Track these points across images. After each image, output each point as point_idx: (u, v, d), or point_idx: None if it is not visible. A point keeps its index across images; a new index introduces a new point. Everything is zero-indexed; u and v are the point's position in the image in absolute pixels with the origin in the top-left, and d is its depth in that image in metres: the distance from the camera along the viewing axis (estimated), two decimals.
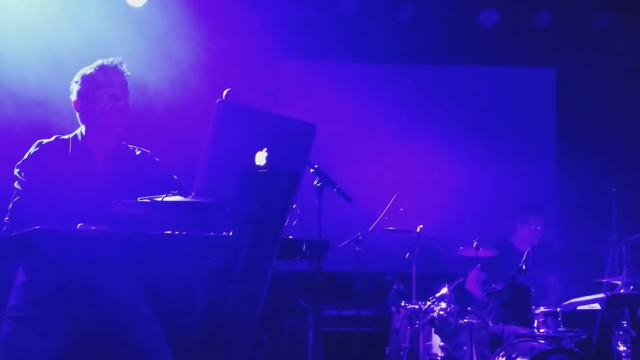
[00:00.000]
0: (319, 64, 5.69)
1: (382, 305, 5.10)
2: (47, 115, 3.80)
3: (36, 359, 2.24)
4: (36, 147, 2.39)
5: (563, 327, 4.18)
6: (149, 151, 2.59)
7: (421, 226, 4.57)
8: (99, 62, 2.46)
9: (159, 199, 1.96)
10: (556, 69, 5.92)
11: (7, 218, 2.34)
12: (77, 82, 2.46)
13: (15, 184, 2.37)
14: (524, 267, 4.19)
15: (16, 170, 2.37)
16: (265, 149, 1.97)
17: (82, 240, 1.77)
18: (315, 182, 2.88)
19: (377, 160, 5.55)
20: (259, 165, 1.95)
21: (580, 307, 4.30)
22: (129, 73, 2.50)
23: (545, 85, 5.94)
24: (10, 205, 2.35)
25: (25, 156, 2.39)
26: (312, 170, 2.82)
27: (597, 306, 4.19)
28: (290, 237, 2.16)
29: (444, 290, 4.45)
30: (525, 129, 5.82)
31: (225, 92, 2.32)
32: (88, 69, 2.45)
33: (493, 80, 5.88)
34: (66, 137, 2.48)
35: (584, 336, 4.29)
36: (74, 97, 2.46)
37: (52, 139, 2.44)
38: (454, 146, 5.61)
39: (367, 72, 5.70)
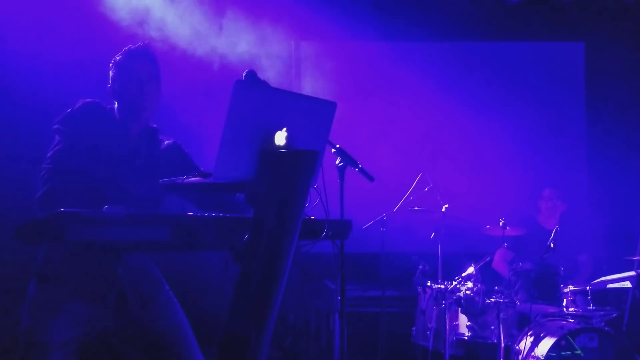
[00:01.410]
0: (341, 43, 5.64)
1: (408, 285, 5.08)
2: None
3: (60, 349, 2.27)
4: (79, 104, 2.44)
5: (593, 306, 4.12)
6: (177, 142, 2.63)
7: (446, 205, 4.52)
8: (127, 47, 2.52)
9: (180, 181, 1.96)
10: (584, 43, 5.77)
11: (48, 165, 2.34)
12: (110, 68, 2.52)
13: (55, 135, 2.39)
14: (551, 245, 4.13)
15: (56, 124, 2.39)
16: (285, 129, 1.95)
17: (106, 223, 1.77)
18: (337, 162, 2.86)
19: (402, 140, 5.50)
20: (279, 145, 1.94)
21: (610, 286, 4.23)
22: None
23: (574, 60, 5.80)
24: (50, 153, 2.36)
25: (68, 110, 2.43)
26: (333, 150, 2.80)
27: (628, 284, 4.12)
28: (312, 217, 2.15)
29: (471, 269, 4.41)
30: (553, 105, 5.70)
31: (244, 73, 2.31)
32: (118, 55, 2.51)
33: (520, 56, 5.77)
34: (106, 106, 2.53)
35: (614, 315, 4.22)
36: (109, 82, 2.53)
37: (93, 101, 2.48)
38: (481, 124, 5.53)
39: (389, 50, 5.63)
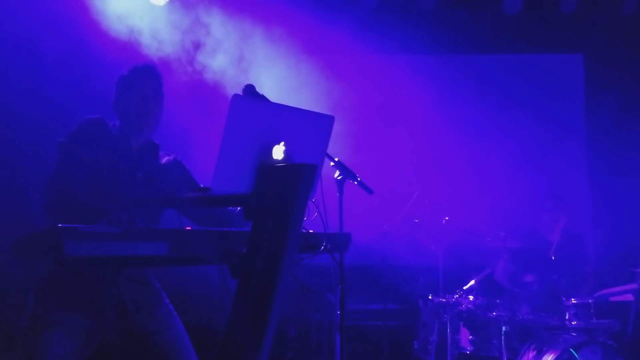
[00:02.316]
0: (340, 57, 5.66)
1: (409, 298, 5.06)
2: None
3: None
4: (83, 120, 2.48)
5: (596, 319, 4.09)
6: (178, 158, 2.66)
7: (447, 218, 4.51)
8: (134, 65, 2.58)
9: (177, 194, 1.96)
10: (583, 55, 5.79)
11: (53, 178, 2.36)
12: (116, 84, 2.58)
13: (60, 150, 2.42)
14: (553, 257, 4.11)
15: (61, 139, 2.43)
16: (282, 143, 1.95)
17: (104, 238, 1.77)
18: (335, 175, 2.85)
19: (401, 152, 5.50)
20: (276, 159, 1.94)
21: (613, 298, 4.21)
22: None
23: (573, 72, 5.81)
24: (55, 167, 2.40)
25: (73, 127, 2.46)
26: (332, 163, 2.79)
27: (630, 297, 4.09)
28: (311, 231, 2.15)
29: (472, 282, 4.39)
30: (553, 117, 5.70)
31: (243, 87, 2.32)
32: (124, 72, 2.57)
33: (519, 69, 5.77)
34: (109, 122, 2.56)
35: (617, 328, 4.19)
36: (114, 98, 2.58)
37: (97, 117, 2.52)
38: (480, 136, 5.53)
39: (388, 63, 5.65)
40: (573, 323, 4.12)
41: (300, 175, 1.93)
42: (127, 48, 3.95)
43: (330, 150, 2.25)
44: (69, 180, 2.31)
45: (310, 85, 5.04)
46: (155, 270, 2.53)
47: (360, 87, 5.53)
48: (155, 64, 2.64)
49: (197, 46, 4.44)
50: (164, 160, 2.60)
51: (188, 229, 1.96)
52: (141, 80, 2.52)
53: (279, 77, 5.10)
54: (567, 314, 4.14)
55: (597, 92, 5.71)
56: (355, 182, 2.87)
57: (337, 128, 2.14)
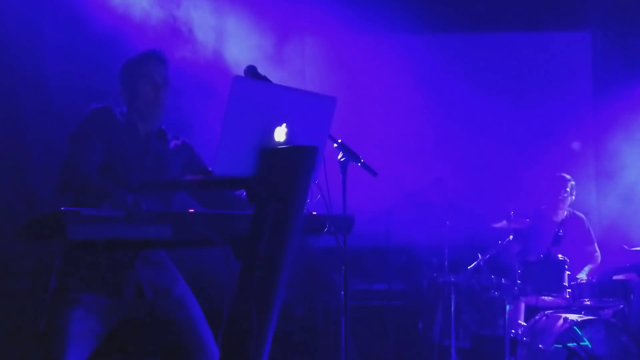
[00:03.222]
0: (345, 37, 5.62)
1: (414, 278, 5.08)
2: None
3: (78, 340, 2.32)
4: (91, 109, 2.48)
5: (599, 298, 4.10)
6: (187, 142, 2.66)
7: (452, 198, 4.51)
8: (142, 51, 2.55)
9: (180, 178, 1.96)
10: (590, 33, 5.72)
11: (64, 165, 2.38)
12: (122, 70, 2.54)
13: (70, 139, 2.43)
14: (557, 237, 4.11)
15: (70, 134, 2.44)
16: (284, 125, 1.95)
17: (107, 221, 1.78)
18: (339, 157, 2.85)
19: (407, 132, 5.48)
20: (278, 141, 1.93)
21: (616, 277, 4.22)
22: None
23: (581, 51, 5.75)
24: (66, 155, 2.41)
25: (82, 117, 2.47)
26: (335, 145, 2.79)
27: (633, 276, 4.10)
28: (315, 213, 2.15)
29: (477, 262, 4.40)
30: (561, 97, 5.65)
31: (244, 68, 2.31)
32: (132, 58, 2.54)
33: (526, 47, 5.70)
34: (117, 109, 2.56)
35: (621, 306, 4.21)
36: (120, 84, 2.55)
37: (104, 106, 2.51)
38: (486, 117, 5.50)
39: (394, 43, 5.60)
40: (577, 302, 4.13)
41: (302, 157, 1.92)
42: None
43: (334, 130, 2.24)
44: (80, 165, 2.32)
45: (290, 65, 5.01)
46: (171, 252, 2.57)
47: (364, 68, 5.50)
48: (163, 50, 2.59)
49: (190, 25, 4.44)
50: (172, 144, 2.60)
51: (191, 212, 1.96)
52: (151, 67, 2.49)
53: (286, 59, 5.08)
54: (571, 292, 4.15)
55: (605, 70, 5.63)
56: (359, 164, 2.86)
57: (341, 107, 2.13)
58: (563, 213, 4.70)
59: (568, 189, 4.64)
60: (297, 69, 5.47)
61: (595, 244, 4.73)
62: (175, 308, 2.49)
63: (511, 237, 4.39)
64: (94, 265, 2.37)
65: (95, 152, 2.39)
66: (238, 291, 2.00)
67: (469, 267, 4.43)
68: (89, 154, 2.38)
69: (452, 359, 4.30)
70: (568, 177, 4.71)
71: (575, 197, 4.72)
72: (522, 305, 4.49)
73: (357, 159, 2.83)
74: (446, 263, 4.53)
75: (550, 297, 4.24)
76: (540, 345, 3.95)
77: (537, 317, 4.21)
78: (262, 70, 2.32)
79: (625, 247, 4.43)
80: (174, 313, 2.48)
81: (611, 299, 4.12)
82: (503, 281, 4.31)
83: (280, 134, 1.94)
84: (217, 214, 1.98)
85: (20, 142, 4.18)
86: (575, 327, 3.90)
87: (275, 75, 2.39)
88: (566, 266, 4.18)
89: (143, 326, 2.49)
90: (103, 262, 2.38)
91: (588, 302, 4.10)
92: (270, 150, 1.90)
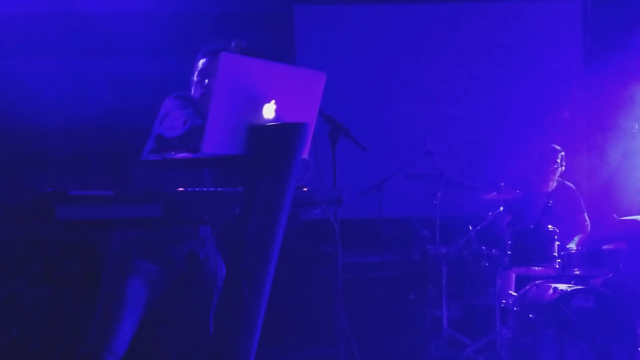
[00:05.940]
0: (336, 6, 5.56)
1: (407, 250, 5.11)
2: None
3: (133, 305, 2.50)
4: (175, 98, 2.59)
5: (589, 267, 4.14)
6: None
7: (444, 169, 4.51)
8: (219, 45, 2.60)
9: (168, 156, 1.96)
10: (581, 2, 5.67)
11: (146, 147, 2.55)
12: (198, 61, 2.72)
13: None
14: (548, 207, 4.14)
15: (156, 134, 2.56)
16: (273, 101, 1.93)
17: (95, 202, 1.77)
18: (329, 132, 2.84)
19: (398, 103, 5.46)
20: (267, 118, 1.92)
21: (606, 246, 4.26)
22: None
23: (571, 19, 5.71)
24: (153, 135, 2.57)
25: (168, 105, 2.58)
26: (325, 119, 2.78)
27: (622, 245, 4.13)
28: (305, 189, 2.15)
29: (468, 233, 4.43)
30: (551, 67, 5.63)
31: (232, 44, 2.29)
32: (212, 48, 2.67)
33: (516, 16, 5.66)
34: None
35: (610, 275, 4.25)
36: (194, 74, 2.73)
37: (184, 93, 2.65)
38: (476, 88, 5.48)
39: (386, 12, 5.55)
40: (567, 271, 4.18)
41: (292, 134, 1.92)
42: None
43: (325, 102, 2.23)
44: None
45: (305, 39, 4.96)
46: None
47: (356, 39, 5.46)
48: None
49: None
50: None
51: (181, 190, 1.96)
52: (207, 65, 2.65)
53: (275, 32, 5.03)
54: (560, 262, 4.19)
55: (596, 38, 5.60)
56: (349, 138, 2.85)
57: (333, 79, 2.13)
58: (553, 184, 4.72)
59: (558, 160, 4.65)
60: (286, 40, 5.43)
61: (585, 214, 4.76)
62: (215, 279, 2.67)
63: (502, 208, 4.41)
64: (154, 236, 2.52)
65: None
66: (229, 269, 2.01)
67: (460, 238, 4.46)
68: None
69: (444, 329, 4.35)
70: (558, 147, 4.71)
71: (565, 168, 4.73)
72: (513, 276, 4.53)
73: (347, 133, 2.82)
74: (438, 235, 4.56)
75: (540, 267, 4.28)
76: (530, 315, 4.00)
77: (527, 287, 4.25)
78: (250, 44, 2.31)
79: (615, 216, 4.47)
80: (212, 287, 2.65)
81: (601, 268, 4.16)
82: (494, 252, 4.35)
83: (269, 110, 1.93)
84: (207, 191, 1.98)
85: None
86: (565, 297, 3.94)
87: (263, 48, 2.38)
88: (556, 236, 4.21)
89: (187, 294, 2.68)
90: (161, 235, 2.54)
91: (578, 272, 4.14)
92: (260, 127, 1.90)
